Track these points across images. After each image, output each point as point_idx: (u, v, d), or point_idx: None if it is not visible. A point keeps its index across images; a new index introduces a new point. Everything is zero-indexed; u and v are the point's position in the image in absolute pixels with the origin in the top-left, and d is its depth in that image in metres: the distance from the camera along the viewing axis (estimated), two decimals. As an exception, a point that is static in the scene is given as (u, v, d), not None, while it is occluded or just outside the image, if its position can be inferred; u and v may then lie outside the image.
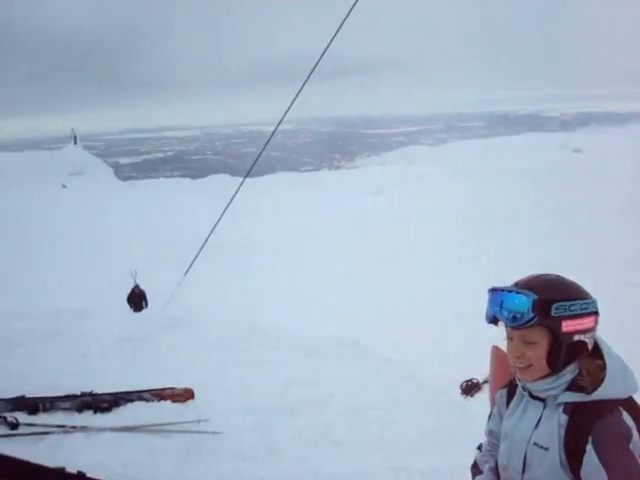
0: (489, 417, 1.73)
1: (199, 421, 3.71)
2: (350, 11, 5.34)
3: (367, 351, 5.49)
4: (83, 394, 3.98)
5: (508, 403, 1.60)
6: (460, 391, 5.82)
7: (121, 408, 3.94)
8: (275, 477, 3.28)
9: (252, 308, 9.26)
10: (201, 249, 7.19)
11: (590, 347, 1.42)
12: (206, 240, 7.14)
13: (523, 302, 1.38)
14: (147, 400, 4.04)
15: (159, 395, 4.08)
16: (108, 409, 3.90)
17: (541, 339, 1.40)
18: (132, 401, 4.01)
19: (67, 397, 3.96)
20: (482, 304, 1.53)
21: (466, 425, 3.68)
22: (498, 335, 1.57)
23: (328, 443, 3.66)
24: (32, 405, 3.85)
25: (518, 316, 1.39)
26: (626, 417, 1.33)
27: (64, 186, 39.39)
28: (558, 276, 1.47)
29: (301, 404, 4.08)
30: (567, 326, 1.37)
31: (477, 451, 1.76)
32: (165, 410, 3.89)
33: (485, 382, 5.46)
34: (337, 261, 14.97)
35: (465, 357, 6.37)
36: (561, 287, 1.43)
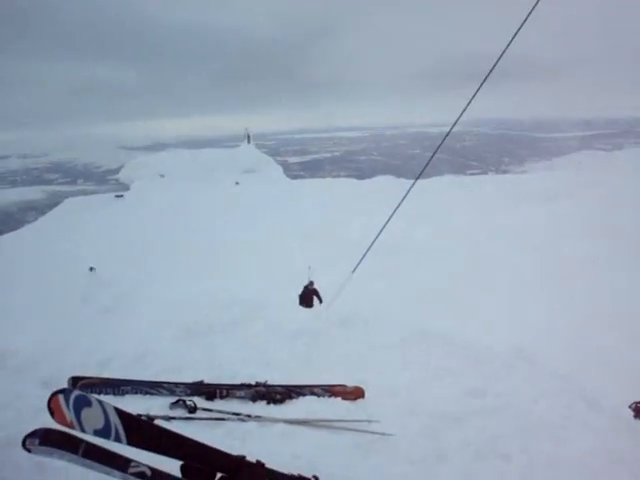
0: None
1: (370, 421, 3.64)
2: (531, 11, 5.08)
3: (537, 362, 5.15)
4: (257, 384, 4.09)
5: None
6: (632, 413, 5.08)
7: (293, 401, 3.99)
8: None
9: (423, 311, 9.11)
10: (369, 248, 7.18)
11: None
12: (374, 240, 7.13)
13: None
14: (318, 395, 4.05)
15: (330, 391, 4.07)
16: (281, 401, 3.96)
17: None
18: (304, 395, 4.04)
19: (242, 386, 4.09)
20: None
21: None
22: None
23: (497, 457, 3.43)
24: (210, 391, 4.02)
25: None
26: None
27: (237, 183, 43.29)
28: None
29: (471, 413, 3.90)
30: None
31: None
32: (335, 407, 3.88)
33: None
34: (509, 269, 14.30)
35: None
36: None
